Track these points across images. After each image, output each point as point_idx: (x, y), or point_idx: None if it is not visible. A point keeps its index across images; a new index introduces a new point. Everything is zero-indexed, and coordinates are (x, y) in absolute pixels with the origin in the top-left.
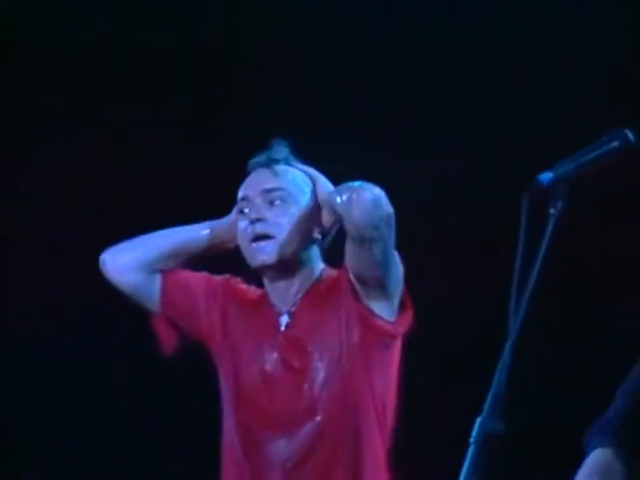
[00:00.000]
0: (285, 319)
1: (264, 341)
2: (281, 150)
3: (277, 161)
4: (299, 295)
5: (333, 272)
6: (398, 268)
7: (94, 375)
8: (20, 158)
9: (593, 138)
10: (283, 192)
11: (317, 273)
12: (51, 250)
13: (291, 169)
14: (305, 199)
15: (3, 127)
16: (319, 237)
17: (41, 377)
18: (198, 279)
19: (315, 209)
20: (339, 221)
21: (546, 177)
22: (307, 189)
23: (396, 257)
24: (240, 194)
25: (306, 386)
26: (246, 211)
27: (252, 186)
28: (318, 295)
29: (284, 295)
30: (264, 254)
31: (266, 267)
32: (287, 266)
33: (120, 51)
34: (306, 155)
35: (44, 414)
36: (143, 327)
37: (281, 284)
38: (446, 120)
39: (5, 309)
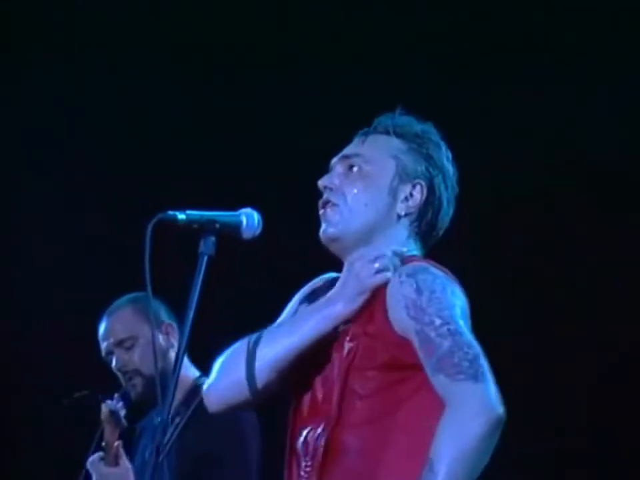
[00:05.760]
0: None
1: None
2: (386, 119)
3: (379, 130)
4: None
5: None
6: None
7: None
8: None
9: None
10: (360, 158)
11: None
12: None
13: (389, 139)
14: (389, 168)
15: None
16: (403, 213)
17: None
18: None
19: (401, 181)
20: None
21: (177, 213)
22: (397, 158)
23: None
24: None
25: None
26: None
27: (339, 153)
28: None
29: None
30: (328, 223)
31: (333, 242)
32: (359, 247)
33: None
34: None
35: None
36: None
37: None
38: None
39: None
